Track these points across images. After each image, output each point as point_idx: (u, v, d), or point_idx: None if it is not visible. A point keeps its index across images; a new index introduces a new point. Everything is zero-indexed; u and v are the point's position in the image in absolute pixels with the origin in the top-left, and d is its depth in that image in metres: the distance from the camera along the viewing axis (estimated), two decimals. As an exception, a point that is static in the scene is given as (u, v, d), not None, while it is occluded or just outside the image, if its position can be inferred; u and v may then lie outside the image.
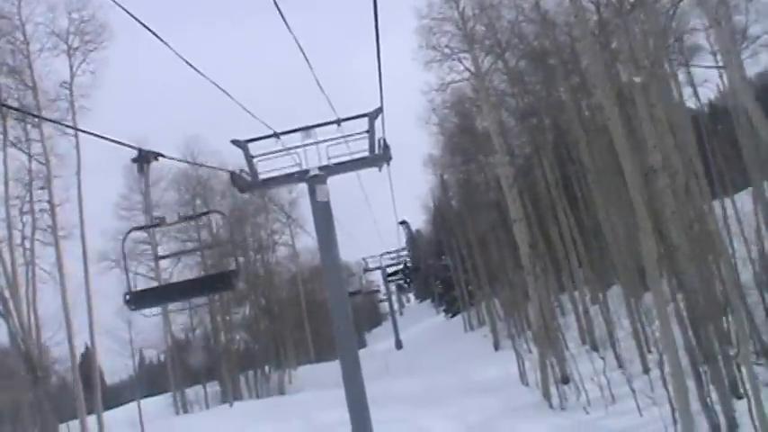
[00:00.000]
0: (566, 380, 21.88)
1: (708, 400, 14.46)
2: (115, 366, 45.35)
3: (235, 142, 14.55)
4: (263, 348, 41.00)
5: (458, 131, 37.72)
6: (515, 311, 34.16)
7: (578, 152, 26.93)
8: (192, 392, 37.25)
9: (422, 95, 32.05)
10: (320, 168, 14.09)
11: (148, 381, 54.15)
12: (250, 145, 14.65)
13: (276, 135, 14.16)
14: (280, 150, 14.35)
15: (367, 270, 62.24)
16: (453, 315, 70.95)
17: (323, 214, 13.88)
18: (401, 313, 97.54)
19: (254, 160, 14.59)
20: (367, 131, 14.28)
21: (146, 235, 37.23)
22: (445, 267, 71.71)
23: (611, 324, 24.07)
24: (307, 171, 14.15)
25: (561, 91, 28.12)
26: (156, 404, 38.28)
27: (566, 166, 31.01)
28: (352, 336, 14.32)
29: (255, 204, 43.52)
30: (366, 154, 14.34)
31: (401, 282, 65.00)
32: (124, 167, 37.65)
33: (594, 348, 25.77)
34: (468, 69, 26.74)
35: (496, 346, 35.54)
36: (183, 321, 40.62)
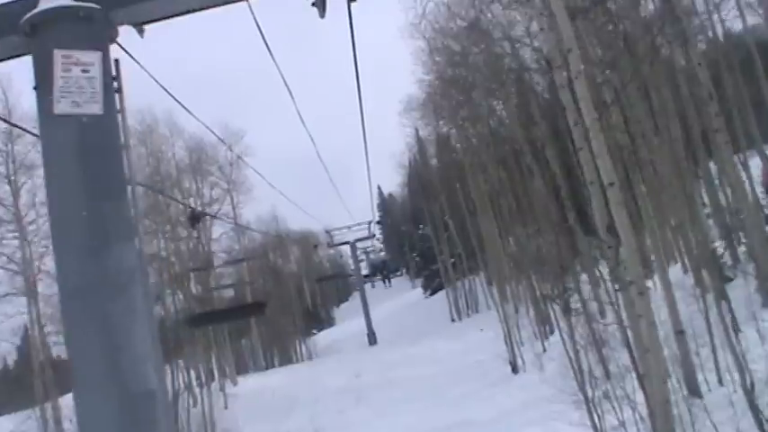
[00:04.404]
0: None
1: None
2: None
3: None
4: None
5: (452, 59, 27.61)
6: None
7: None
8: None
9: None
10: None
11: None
12: None
13: None
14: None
15: (331, 245, 52.74)
16: (433, 293, 61.69)
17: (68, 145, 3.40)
18: (373, 285, 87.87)
19: None
20: None
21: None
22: (423, 237, 62.38)
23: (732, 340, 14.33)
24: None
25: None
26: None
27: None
28: None
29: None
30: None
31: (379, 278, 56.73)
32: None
33: (695, 393, 15.79)
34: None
35: (514, 367, 25.01)
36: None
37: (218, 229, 38.12)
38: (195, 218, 15.92)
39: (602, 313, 23.08)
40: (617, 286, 13.04)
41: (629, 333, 12.97)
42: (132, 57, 5.58)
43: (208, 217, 34.46)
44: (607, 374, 18.50)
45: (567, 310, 14.18)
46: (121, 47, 4.40)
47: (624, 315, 13.05)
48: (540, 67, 31.22)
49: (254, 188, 40.27)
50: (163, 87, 8.18)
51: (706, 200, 26.21)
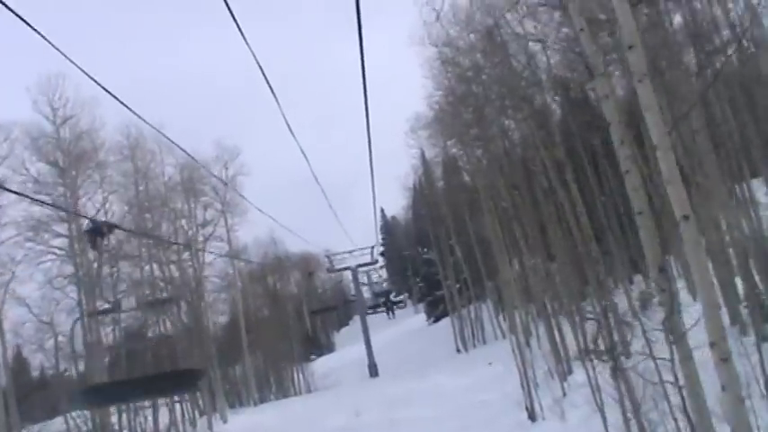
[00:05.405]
0: None
1: None
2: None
3: None
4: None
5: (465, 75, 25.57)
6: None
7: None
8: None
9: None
10: None
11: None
12: None
13: None
14: None
15: (331, 271, 50.44)
16: (437, 320, 59.25)
17: None
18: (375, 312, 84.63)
19: None
20: None
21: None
22: (427, 261, 60.02)
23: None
24: None
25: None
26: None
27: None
28: None
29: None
30: None
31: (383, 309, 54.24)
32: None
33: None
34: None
35: (531, 413, 21.94)
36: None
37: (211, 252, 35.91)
38: (95, 232, 9.42)
39: (627, 354, 20.64)
40: (672, 338, 10.77)
41: (685, 396, 10.70)
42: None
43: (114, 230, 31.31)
44: None
45: (616, 372, 11.53)
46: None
47: (679, 372, 10.76)
48: (555, 82, 29.25)
49: (251, 209, 38.05)
50: (136, 114, 6.44)
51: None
